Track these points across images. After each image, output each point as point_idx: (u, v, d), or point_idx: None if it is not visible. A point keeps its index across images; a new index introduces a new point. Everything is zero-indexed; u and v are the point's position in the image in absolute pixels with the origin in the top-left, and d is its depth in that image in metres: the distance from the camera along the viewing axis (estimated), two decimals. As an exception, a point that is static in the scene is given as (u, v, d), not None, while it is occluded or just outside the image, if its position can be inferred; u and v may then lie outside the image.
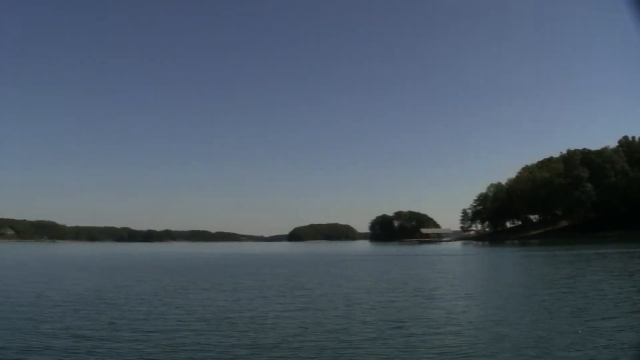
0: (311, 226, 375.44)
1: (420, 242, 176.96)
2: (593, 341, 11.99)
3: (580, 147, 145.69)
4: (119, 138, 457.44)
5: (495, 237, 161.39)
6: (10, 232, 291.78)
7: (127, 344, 12.34)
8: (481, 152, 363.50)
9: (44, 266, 48.52)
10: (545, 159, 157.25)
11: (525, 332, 13.27)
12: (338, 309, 17.82)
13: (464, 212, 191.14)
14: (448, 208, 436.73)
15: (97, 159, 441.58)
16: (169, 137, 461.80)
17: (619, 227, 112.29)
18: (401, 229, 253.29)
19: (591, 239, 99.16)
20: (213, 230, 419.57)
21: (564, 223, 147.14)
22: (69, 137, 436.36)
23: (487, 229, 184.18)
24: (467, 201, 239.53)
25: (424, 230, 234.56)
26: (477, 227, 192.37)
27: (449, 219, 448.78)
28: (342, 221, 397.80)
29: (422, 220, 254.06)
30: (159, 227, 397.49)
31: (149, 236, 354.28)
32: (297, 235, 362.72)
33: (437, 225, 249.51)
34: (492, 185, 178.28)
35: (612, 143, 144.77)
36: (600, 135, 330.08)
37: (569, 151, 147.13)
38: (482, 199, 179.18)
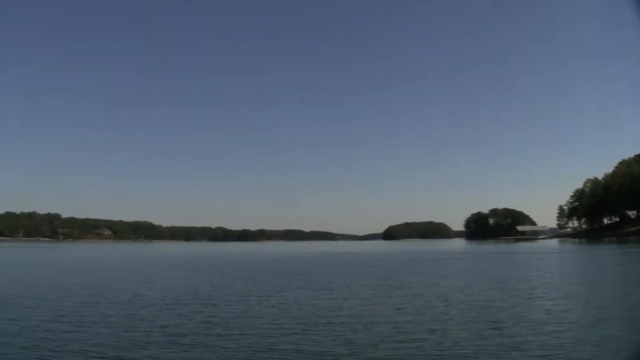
0: (405, 224, 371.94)
1: (516, 240, 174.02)
2: None
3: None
4: (215, 147, 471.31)
5: (592, 234, 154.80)
6: (107, 232, 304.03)
7: (221, 341, 12.46)
8: (578, 146, 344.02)
9: (140, 265, 50.44)
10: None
11: (629, 333, 12.80)
12: (435, 309, 17.47)
13: (561, 208, 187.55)
14: (544, 204, 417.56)
15: (196, 166, 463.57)
16: (262, 143, 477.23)
17: None
18: (496, 226, 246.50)
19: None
20: (307, 229, 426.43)
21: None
22: (163, 149, 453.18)
23: (583, 226, 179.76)
24: (564, 197, 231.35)
25: (520, 228, 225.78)
26: (574, 224, 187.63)
27: (546, 216, 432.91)
28: (436, 219, 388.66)
29: (518, 217, 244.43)
30: (253, 226, 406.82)
31: (244, 235, 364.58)
32: (391, 233, 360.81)
33: (533, 223, 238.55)
34: (588, 180, 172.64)
35: None
36: None
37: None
38: (578, 194, 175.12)
